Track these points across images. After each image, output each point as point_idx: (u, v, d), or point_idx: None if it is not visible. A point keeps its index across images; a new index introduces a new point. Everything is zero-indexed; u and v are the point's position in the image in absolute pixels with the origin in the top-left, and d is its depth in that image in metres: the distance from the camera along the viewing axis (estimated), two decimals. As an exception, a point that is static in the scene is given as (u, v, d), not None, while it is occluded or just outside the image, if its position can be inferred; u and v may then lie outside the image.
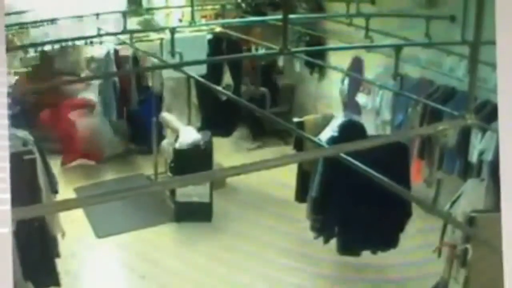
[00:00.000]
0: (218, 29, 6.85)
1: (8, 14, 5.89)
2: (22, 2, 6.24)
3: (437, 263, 3.85)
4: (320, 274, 4.81)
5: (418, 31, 5.08)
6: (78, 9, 6.30)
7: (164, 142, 6.13)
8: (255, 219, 5.72)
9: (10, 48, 4.38)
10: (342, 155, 2.43)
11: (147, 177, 6.55)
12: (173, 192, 5.69)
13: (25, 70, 6.61)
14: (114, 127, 6.80)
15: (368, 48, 5.54)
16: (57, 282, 4.00)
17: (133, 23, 6.51)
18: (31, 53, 6.65)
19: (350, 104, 6.10)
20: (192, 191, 5.57)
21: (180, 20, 6.84)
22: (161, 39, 6.10)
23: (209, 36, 6.69)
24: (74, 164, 6.65)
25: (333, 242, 4.51)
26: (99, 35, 6.08)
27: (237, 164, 1.56)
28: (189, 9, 5.70)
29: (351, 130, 4.36)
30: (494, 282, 1.66)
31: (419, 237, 4.51)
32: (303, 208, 4.66)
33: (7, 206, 1.42)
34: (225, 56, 6.63)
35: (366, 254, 4.49)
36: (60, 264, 4.11)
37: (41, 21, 6.19)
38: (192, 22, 5.47)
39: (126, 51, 6.61)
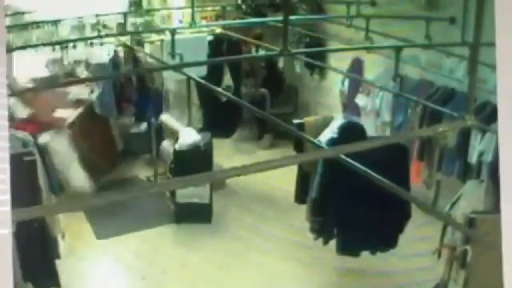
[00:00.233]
0: (218, 30, 6.85)
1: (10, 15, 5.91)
2: (22, 3, 6.24)
3: (436, 264, 3.85)
4: (320, 276, 4.82)
5: (418, 32, 5.08)
6: (78, 10, 6.31)
7: (164, 144, 6.13)
8: (255, 220, 5.72)
9: (10, 49, 4.38)
10: (342, 156, 2.44)
11: (147, 178, 6.56)
12: (173, 193, 5.69)
13: None
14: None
15: (368, 49, 5.54)
16: (57, 283, 4.01)
17: (133, 24, 6.51)
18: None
19: (350, 105, 6.10)
20: (192, 192, 5.58)
21: (181, 22, 6.84)
22: (162, 40, 6.11)
23: (210, 38, 6.70)
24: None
25: (333, 243, 4.50)
26: (99, 36, 6.10)
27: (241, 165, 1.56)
28: (189, 10, 5.71)
29: (351, 132, 4.36)
30: (494, 283, 1.66)
31: (418, 238, 4.51)
32: (302, 209, 4.66)
33: (7, 207, 1.42)
34: (225, 58, 6.64)
35: (365, 256, 4.48)
36: (60, 266, 4.11)
37: (42, 22, 6.19)
38: (193, 23, 5.48)
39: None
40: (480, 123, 3.77)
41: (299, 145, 4.56)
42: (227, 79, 6.77)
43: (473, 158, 4.53)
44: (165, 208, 5.80)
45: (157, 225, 5.63)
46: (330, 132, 4.36)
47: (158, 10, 7.09)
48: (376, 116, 5.70)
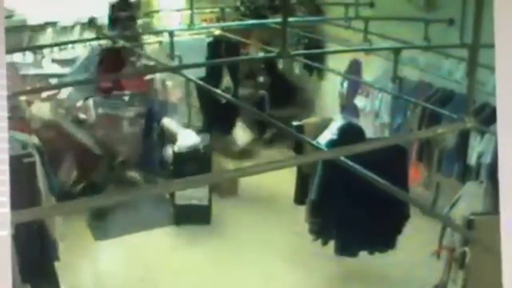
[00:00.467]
0: (217, 32, 6.85)
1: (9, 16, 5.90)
2: (21, 6, 6.23)
3: (435, 265, 3.85)
4: (319, 278, 4.81)
5: (416, 34, 5.08)
6: (75, 13, 6.31)
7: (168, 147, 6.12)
8: (254, 221, 5.72)
9: (10, 50, 4.38)
10: (341, 157, 2.44)
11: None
12: (172, 195, 5.68)
13: None
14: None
15: (367, 50, 5.55)
16: (56, 285, 4.00)
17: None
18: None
19: (348, 106, 6.11)
20: (191, 194, 5.57)
21: (180, 23, 6.84)
22: (160, 42, 6.11)
23: (209, 39, 6.71)
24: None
25: (331, 243, 4.51)
26: (98, 38, 6.09)
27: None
28: (188, 12, 5.70)
29: (350, 133, 4.36)
30: (493, 284, 1.66)
31: (417, 239, 4.52)
32: (302, 211, 4.66)
33: (7, 209, 1.42)
34: (224, 59, 6.64)
35: (364, 257, 4.48)
36: (59, 267, 4.10)
37: (41, 24, 6.19)
38: (191, 25, 5.48)
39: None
40: (479, 125, 3.78)
41: (299, 147, 4.56)
42: (226, 81, 6.76)
43: (472, 160, 4.54)
44: (164, 209, 5.79)
45: (156, 226, 5.63)
46: (329, 134, 4.37)
47: (157, 11, 7.08)
48: (375, 118, 5.71)
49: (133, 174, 6.30)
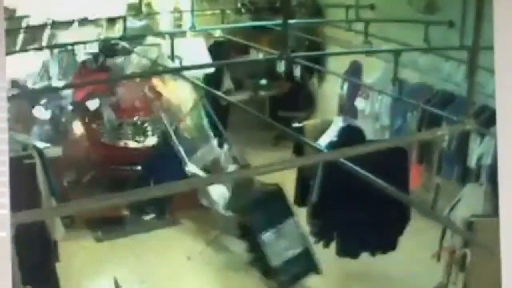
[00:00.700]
0: (218, 34, 6.86)
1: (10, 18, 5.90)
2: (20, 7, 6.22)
3: (436, 268, 3.85)
4: (320, 280, 4.81)
5: (416, 36, 5.09)
6: (75, 14, 6.29)
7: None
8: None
9: (10, 52, 4.38)
10: (342, 159, 2.44)
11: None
12: (260, 260, 5.59)
13: None
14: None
15: (368, 53, 5.55)
16: (56, 286, 4.00)
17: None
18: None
19: (349, 108, 6.11)
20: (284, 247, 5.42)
21: (180, 25, 6.85)
22: (158, 44, 6.11)
23: (209, 41, 6.71)
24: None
25: (332, 246, 4.50)
26: (98, 40, 6.09)
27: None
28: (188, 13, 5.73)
29: (350, 135, 4.37)
30: (493, 286, 1.66)
31: (417, 241, 4.51)
32: (302, 212, 4.66)
33: (7, 210, 1.42)
34: (225, 61, 6.66)
35: (365, 260, 4.48)
36: (60, 268, 4.10)
37: (41, 25, 6.19)
38: (192, 27, 5.50)
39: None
40: (479, 127, 3.78)
41: (299, 149, 4.56)
42: (228, 83, 6.77)
43: (472, 162, 4.54)
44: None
45: (157, 228, 5.62)
46: (329, 136, 4.37)
47: (157, 13, 7.08)
48: (375, 120, 5.70)
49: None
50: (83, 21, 6.12)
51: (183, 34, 6.23)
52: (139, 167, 5.66)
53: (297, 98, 7.77)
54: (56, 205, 3.94)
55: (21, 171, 3.55)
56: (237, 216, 4.78)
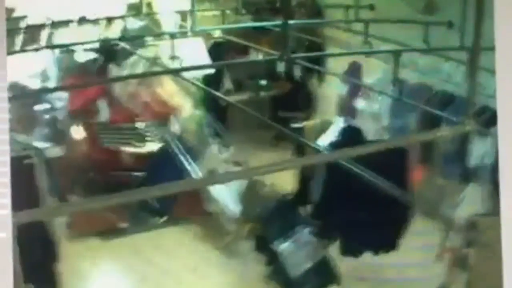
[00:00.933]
0: (217, 34, 6.87)
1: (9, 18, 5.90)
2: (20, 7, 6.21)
3: (438, 268, 3.84)
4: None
5: (416, 37, 5.09)
6: (74, 14, 6.29)
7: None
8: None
9: (10, 52, 4.38)
10: (343, 160, 2.44)
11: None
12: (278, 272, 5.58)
13: None
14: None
15: (367, 53, 5.56)
16: (58, 285, 3.99)
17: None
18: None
19: (348, 109, 6.11)
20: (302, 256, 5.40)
21: (181, 26, 6.85)
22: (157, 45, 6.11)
23: (209, 42, 6.71)
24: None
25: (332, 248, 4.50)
26: (99, 41, 6.09)
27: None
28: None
29: (351, 136, 4.37)
30: (496, 286, 1.67)
31: (419, 241, 4.51)
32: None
33: (8, 211, 1.43)
34: (225, 62, 6.66)
35: (366, 259, 4.47)
36: (61, 267, 4.10)
37: (40, 25, 6.18)
38: (193, 27, 5.50)
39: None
40: (480, 127, 3.78)
41: (299, 149, 4.56)
42: (228, 83, 6.77)
43: (473, 162, 4.54)
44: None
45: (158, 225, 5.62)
46: (330, 136, 4.37)
47: (157, 14, 7.08)
48: (375, 120, 5.71)
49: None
50: (82, 21, 6.13)
51: (183, 34, 6.24)
52: (139, 173, 5.62)
53: (297, 99, 7.77)
54: (57, 205, 3.94)
55: (21, 171, 3.55)
56: (250, 225, 4.73)
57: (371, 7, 5.95)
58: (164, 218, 5.55)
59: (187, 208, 5.33)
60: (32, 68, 6.03)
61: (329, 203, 4.30)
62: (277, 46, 4.14)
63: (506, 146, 1.53)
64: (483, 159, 4.45)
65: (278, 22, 5.00)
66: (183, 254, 5.23)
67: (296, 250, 4.39)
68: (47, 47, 6.02)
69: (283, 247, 4.34)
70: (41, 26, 6.15)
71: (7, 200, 1.44)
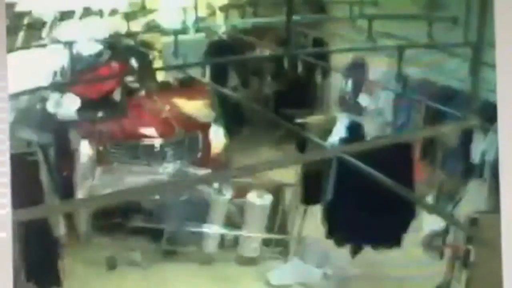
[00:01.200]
0: (222, 30, 6.86)
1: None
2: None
3: (439, 264, 3.84)
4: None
5: (420, 32, 5.07)
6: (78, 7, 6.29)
7: None
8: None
9: (11, 49, 4.38)
10: (348, 157, 2.44)
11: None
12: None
13: None
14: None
15: (371, 49, 5.54)
16: (59, 283, 4.01)
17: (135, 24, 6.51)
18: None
19: (352, 105, 6.10)
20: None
21: (184, 22, 6.85)
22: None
23: (213, 38, 6.71)
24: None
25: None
26: (103, 39, 6.10)
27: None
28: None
29: (356, 132, 4.37)
30: (496, 283, 1.66)
31: (421, 237, 4.50)
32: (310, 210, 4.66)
33: (8, 210, 1.43)
34: (229, 58, 6.64)
35: (367, 255, 4.47)
36: (62, 266, 4.11)
37: (44, 21, 6.19)
38: (195, 24, 5.49)
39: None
40: (483, 123, 3.77)
41: (301, 145, 4.55)
42: (234, 79, 6.76)
43: (475, 158, 4.51)
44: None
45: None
46: (339, 132, 4.35)
47: (159, 10, 7.08)
48: (379, 116, 5.69)
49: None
50: (87, 13, 6.13)
51: (187, 31, 6.24)
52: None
53: (301, 95, 7.76)
54: (59, 203, 3.95)
55: (24, 168, 3.56)
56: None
57: (375, 3, 5.93)
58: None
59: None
60: (39, 64, 6.02)
61: (340, 201, 4.28)
62: (281, 42, 4.14)
63: (506, 141, 1.53)
64: (486, 155, 4.43)
65: (282, 18, 4.99)
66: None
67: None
68: (53, 42, 6.02)
69: None
70: (45, 22, 6.16)
71: (7, 200, 1.44)
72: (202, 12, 6.79)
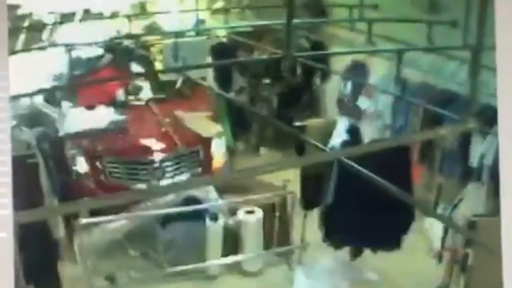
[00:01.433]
0: (223, 33, 6.88)
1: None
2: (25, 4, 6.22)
3: (437, 267, 3.84)
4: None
5: (420, 35, 5.08)
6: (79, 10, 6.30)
7: None
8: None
9: (12, 51, 4.38)
10: (348, 160, 2.44)
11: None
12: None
13: None
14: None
15: (371, 52, 5.54)
16: (58, 285, 4.00)
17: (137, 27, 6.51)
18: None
19: (351, 108, 6.11)
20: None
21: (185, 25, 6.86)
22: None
23: (214, 41, 6.72)
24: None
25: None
26: (103, 41, 6.10)
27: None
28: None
29: (355, 135, 4.36)
30: (495, 287, 1.66)
31: (420, 240, 4.50)
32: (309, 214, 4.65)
33: (9, 211, 1.43)
34: (229, 61, 6.65)
35: (366, 258, 4.47)
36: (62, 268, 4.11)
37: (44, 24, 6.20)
38: (196, 26, 5.50)
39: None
40: (482, 126, 3.77)
41: (300, 148, 4.55)
42: (238, 82, 6.77)
43: (474, 161, 4.52)
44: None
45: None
46: (340, 135, 4.34)
47: (160, 13, 7.09)
48: (378, 119, 5.70)
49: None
50: (87, 16, 6.13)
51: (187, 33, 6.25)
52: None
53: (300, 98, 7.77)
54: (58, 204, 3.96)
55: (24, 170, 3.56)
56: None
57: (375, 7, 5.94)
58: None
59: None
60: (40, 66, 6.01)
61: (339, 204, 4.27)
62: (281, 45, 4.15)
63: (507, 144, 1.53)
64: (484, 158, 4.43)
65: (282, 21, 4.99)
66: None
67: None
68: (54, 45, 6.02)
69: None
70: (46, 24, 6.16)
71: (8, 200, 1.44)
72: (203, 15, 6.82)
